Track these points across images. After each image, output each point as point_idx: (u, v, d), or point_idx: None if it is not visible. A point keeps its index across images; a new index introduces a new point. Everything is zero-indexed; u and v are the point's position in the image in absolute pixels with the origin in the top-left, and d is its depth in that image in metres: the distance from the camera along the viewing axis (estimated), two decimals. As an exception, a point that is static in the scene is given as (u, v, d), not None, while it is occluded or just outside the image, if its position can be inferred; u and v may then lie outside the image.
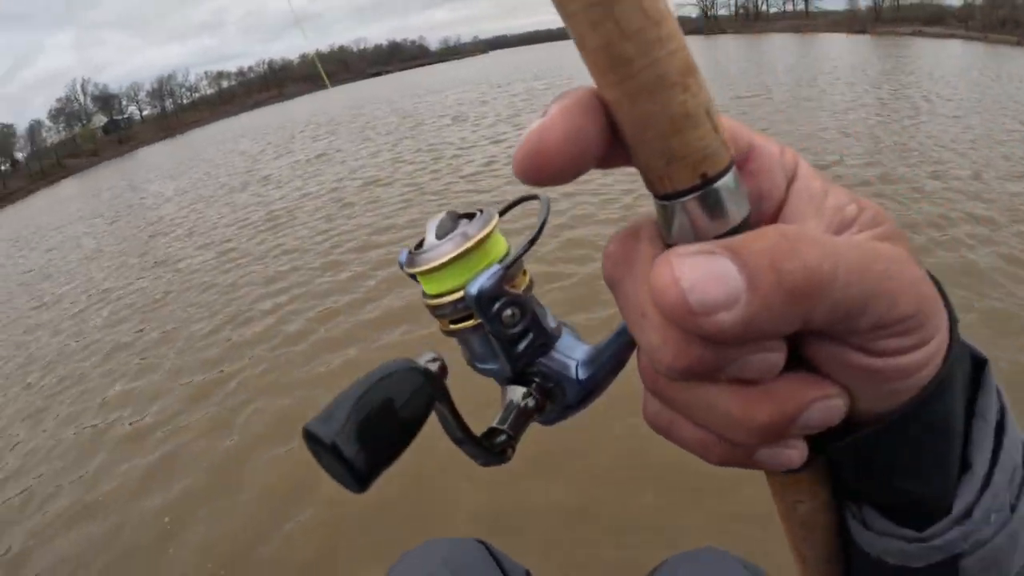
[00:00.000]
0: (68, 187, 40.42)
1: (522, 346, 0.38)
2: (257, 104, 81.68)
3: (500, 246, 0.38)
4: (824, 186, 0.28)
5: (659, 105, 0.21)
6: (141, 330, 6.32)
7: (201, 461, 3.62)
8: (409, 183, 10.92)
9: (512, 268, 0.37)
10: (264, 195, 13.39)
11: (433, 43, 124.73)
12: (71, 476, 3.80)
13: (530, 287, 0.39)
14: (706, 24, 67.74)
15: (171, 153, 34.46)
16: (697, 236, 0.23)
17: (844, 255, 0.22)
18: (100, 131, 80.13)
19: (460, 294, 0.36)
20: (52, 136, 76.64)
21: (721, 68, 22.55)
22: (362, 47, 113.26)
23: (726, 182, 0.23)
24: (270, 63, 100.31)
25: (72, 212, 19.22)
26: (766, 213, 0.28)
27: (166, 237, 11.93)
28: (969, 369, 0.30)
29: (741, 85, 16.26)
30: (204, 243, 10.50)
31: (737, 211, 0.24)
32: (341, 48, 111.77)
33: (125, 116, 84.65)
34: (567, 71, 24.60)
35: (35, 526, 3.40)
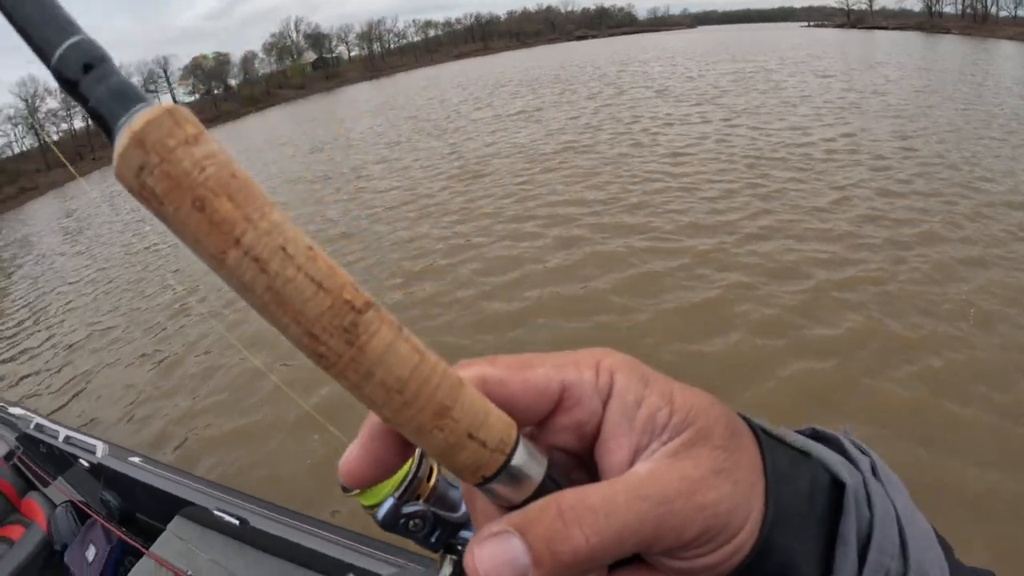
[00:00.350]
0: (275, 114, 45.59)
1: (434, 538, 0.67)
2: (461, 55, 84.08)
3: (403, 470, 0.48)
4: (638, 397, 0.30)
5: (428, 444, 0.26)
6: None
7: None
8: (605, 154, 10.90)
9: (411, 487, 0.55)
10: (459, 146, 13.92)
11: (641, 11, 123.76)
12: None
13: (434, 488, 0.60)
14: (928, 20, 64.57)
15: (374, 93, 35.84)
16: (508, 503, 0.29)
17: (621, 517, 0.27)
18: (309, 67, 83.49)
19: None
20: (263, 67, 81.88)
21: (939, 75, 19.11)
22: (570, 9, 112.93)
23: (514, 463, 0.28)
24: (477, 16, 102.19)
25: (274, 137, 20.98)
26: (587, 434, 0.31)
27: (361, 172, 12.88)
28: (828, 498, 0.33)
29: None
30: (392, 186, 11.25)
31: (535, 472, 0.29)
32: (548, 8, 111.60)
33: (333, 55, 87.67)
34: (780, 51, 24.50)
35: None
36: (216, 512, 2.33)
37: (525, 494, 0.29)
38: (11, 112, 58.32)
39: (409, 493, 0.62)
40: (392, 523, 0.63)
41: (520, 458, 0.28)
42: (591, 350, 0.32)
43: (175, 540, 2.50)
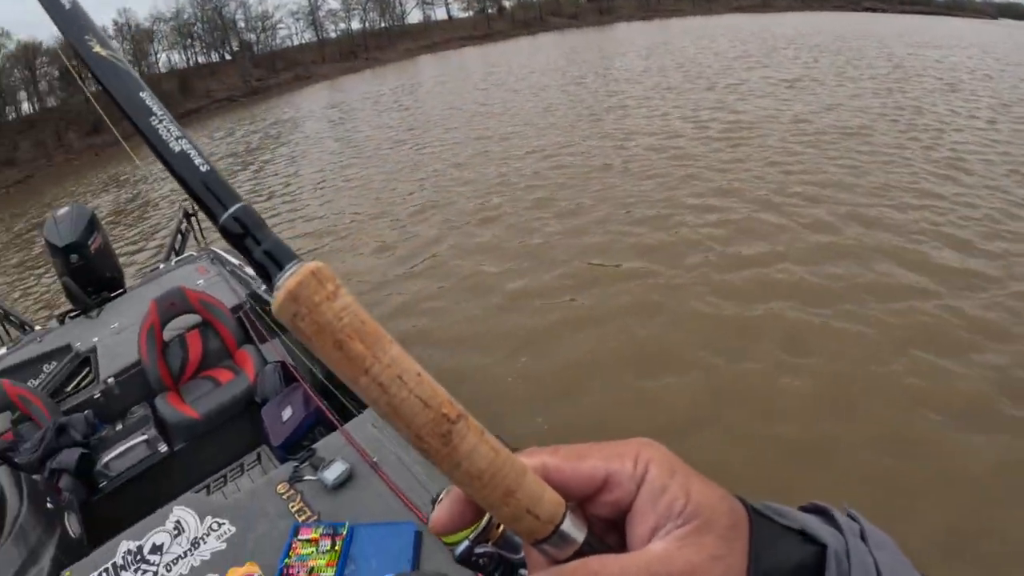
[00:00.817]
0: (545, 39, 46.33)
1: (498, 574, 0.94)
2: (739, 8, 79.90)
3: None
4: (664, 485, 0.38)
5: (497, 514, 0.35)
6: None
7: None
8: (886, 145, 9.82)
9: (483, 532, 0.69)
10: (729, 104, 13.18)
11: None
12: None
13: (502, 534, 0.73)
14: None
15: (646, 34, 34.56)
16: (555, 559, 0.37)
17: None
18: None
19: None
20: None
21: None
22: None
23: (560, 530, 0.37)
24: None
25: (540, 62, 20.74)
26: (623, 509, 0.39)
27: (617, 112, 12.67)
28: (814, 563, 0.39)
29: None
30: (653, 130, 11.11)
31: (577, 537, 0.37)
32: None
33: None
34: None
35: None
36: None
37: (568, 553, 0.37)
38: (295, 7, 65.44)
39: (482, 536, 0.75)
40: (467, 559, 0.76)
41: (566, 527, 0.37)
42: (636, 441, 0.40)
43: (368, 425, 2.70)
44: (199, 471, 3.83)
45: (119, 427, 3.83)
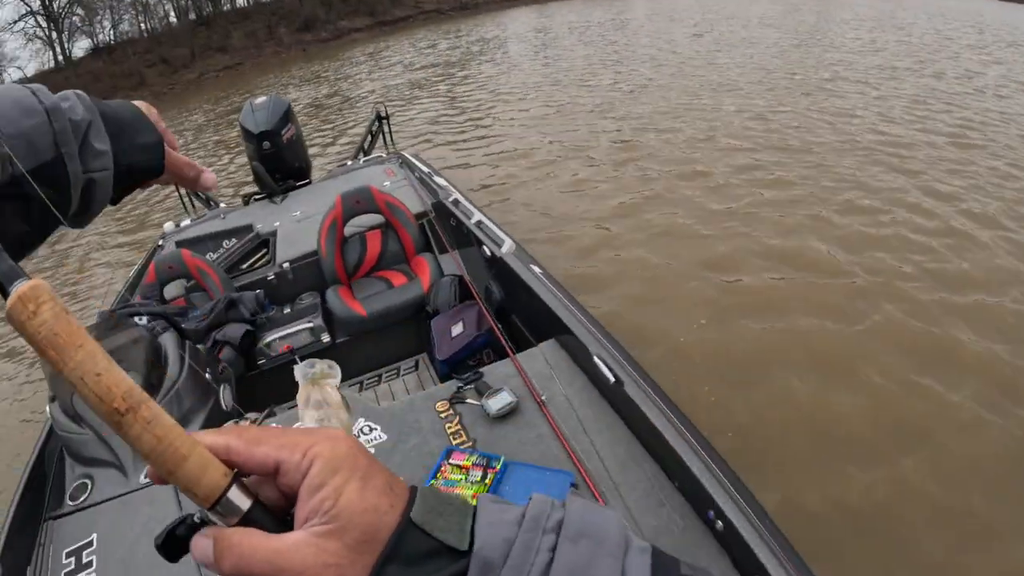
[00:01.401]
0: None
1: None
2: None
3: None
4: (322, 481, 0.42)
5: (173, 483, 0.44)
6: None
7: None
8: None
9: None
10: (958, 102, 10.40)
11: None
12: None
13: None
14: None
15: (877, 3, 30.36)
16: (226, 523, 0.44)
17: (255, 561, 0.41)
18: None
19: None
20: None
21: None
22: None
23: (223, 500, 0.44)
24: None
25: (755, 14, 19.35)
26: (291, 494, 0.44)
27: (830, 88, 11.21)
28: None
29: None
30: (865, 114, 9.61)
31: (239, 505, 0.44)
32: None
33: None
34: None
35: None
36: (595, 358, 2.34)
37: (233, 521, 0.44)
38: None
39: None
40: None
41: (232, 496, 0.44)
42: (321, 434, 0.45)
43: (541, 360, 2.59)
44: (355, 366, 3.94)
45: (287, 310, 4.00)
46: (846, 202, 6.52)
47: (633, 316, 4.89)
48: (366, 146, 7.48)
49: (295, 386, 3.85)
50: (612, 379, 2.24)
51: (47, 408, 2.86)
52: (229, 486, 0.44)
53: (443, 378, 3.25)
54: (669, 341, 4.53)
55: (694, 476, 1.84)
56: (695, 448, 1.92)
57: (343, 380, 3.82)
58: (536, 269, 2.99)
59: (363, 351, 3.90)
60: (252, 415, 2.92)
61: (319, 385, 1.85)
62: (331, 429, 0.46)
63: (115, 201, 0.71)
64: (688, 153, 8.31)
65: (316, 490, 0.42)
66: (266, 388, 3.72)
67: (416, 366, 3.93)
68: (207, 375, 2.98)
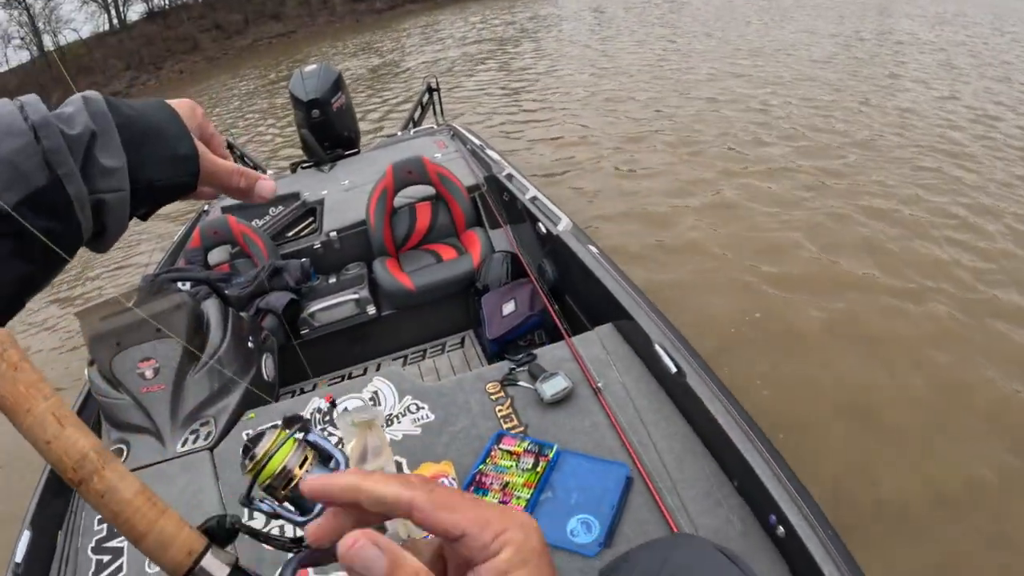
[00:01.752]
0: None
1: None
2: None
3: None
4: (507, 568, 0.39)
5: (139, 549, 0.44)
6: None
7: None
8: None
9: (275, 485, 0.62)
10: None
11: None
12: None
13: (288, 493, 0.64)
14: None
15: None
16: None
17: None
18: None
19: None
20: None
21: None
22: None
23: (197, 571, 0.45)
24: None
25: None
26: (458, 561, 0.43)
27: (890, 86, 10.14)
28: None
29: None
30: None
31: (216, 574, 0.46)
32: None
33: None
34: None
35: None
36: (656, 346, 2.23)
37: None
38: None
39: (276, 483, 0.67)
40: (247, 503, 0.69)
41: (207, 564, 0.44)
42: (516, 517, 0.42)
43: (597, 345, 2.48)
44: (399, 339, 3.90)
45: (332, 280, 3.95)
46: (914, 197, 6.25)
47: (686, 303, 4.73)
48: (416, 117, 7.40)
49: (336, 356, 3.81)
50: (674, 369, 2.13)
51: (85, 371, 2.84)
52: (196, 564, 0.45)
53: (492, 358, 3.17)
54: (720, 329, 4.39)
55: (756, 477, 1.74)
56: (758, 448, 1.82)
57: (385, 354, 3.79)
58: (593, 249, 2.87)
59: (408, 325, 3.83)
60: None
61: (373, 429, 1.78)
62: (523, 515, 0.43)
63: (145, 217, 0.62)
64: (754, 150, 8.05)
65: (501, 575, 0.41)
66: (308, 358, 3.67)
67: (462, 343, 3.85)
68: (250, 343, 2.93)
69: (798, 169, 7.03)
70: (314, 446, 0.70)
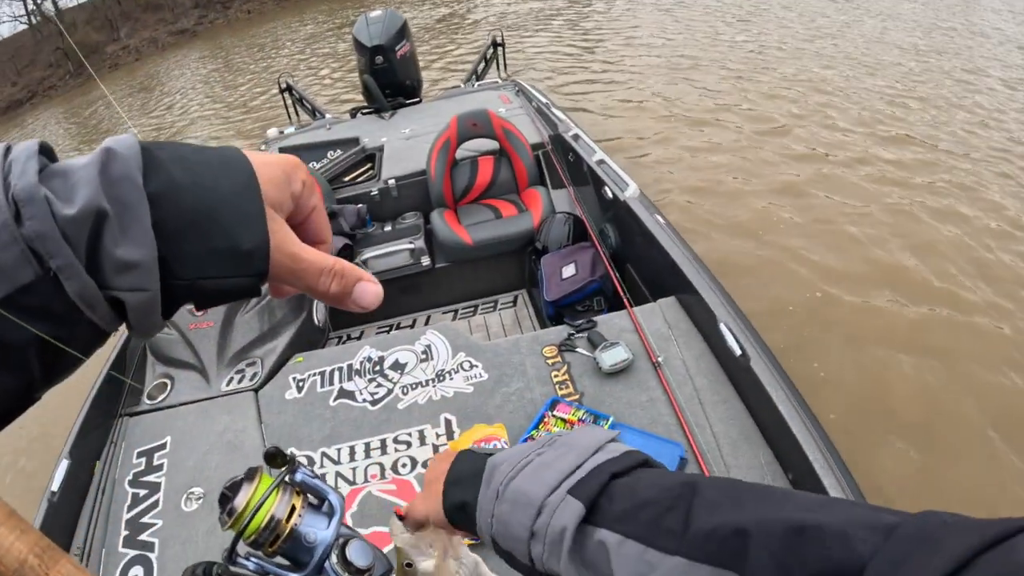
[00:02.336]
0: None
1: None
2: None
3: None
4: None
5: None
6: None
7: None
8: None
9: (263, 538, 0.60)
10: None
11: None
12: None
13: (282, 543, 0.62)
14: None
15: None
16: None
17: None
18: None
19: None
20: None
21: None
22: None
23: None
24: None
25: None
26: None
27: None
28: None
29: None
30: None
31: None
32: None
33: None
34: None
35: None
36: (721, 325, 2.14)
37: None
38: None
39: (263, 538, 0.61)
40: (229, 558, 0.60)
41: None
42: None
43: (659, 318, 2.40)
44: (451, 293, 3.87)
45: (387, 228, 3.91)
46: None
47: (750, 286, 4.57)
48: (479, 71, 7.30)
49: (386, 305, 3.74)
50: (738, 352, 2.04)
51: None
52: None
53: (547, 320, 3.09)
54: (782, 308, 4.25)
55: (815, 472, 1.67)
56: (817, 442, 1.74)
57: (436, 306, 3.74)
58: (660, 219, 2.75)
59: (462, 279, 3.78)
60: None
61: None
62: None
63: (198, 308, 0.43)
64: (831, 134, 7.70)
65: None
66: None
67: (514, 302, 3.79)
68: None
69: (876, 159, 6.73)
70: (304, 488, 0.63)
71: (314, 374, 2.45)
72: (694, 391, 2.11)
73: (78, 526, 2.11)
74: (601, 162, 3.33)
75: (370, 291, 0.46)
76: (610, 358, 2.17)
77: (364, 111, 5.59)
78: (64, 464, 2.17)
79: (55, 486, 2.09)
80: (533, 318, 3.59)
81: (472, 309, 3.81)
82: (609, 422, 2.02)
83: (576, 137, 3.73)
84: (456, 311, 3.83)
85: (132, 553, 1.96)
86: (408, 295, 3.78)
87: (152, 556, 1.95)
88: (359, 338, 3.65)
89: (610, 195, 3.10)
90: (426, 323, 3.79)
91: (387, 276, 3.62)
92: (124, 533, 2.03)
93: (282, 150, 4.49)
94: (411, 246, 3.63)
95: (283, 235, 0.42)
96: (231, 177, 0.40)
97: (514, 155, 3.86)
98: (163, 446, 2.28)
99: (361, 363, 2.43)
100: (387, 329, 3.75)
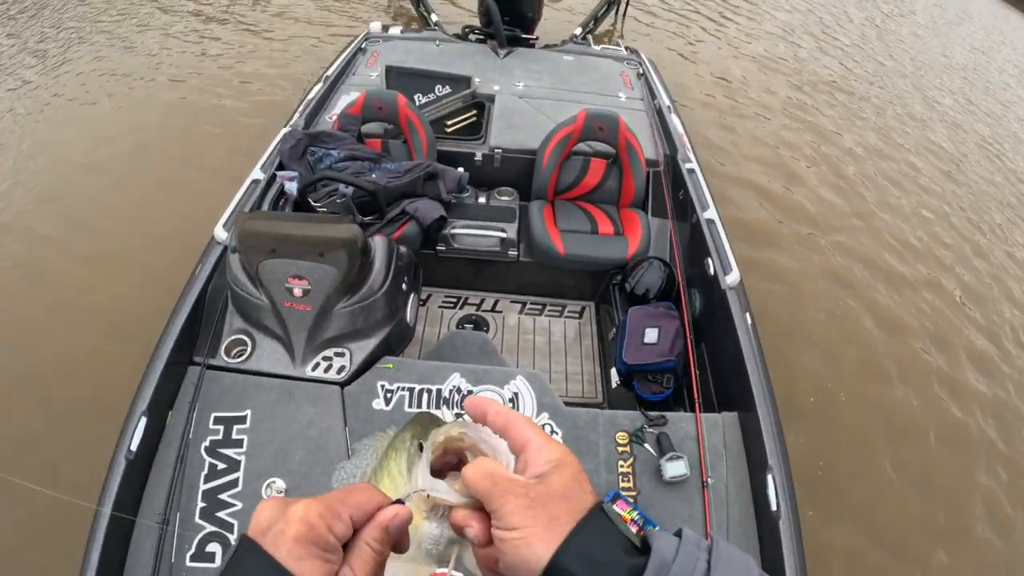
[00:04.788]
0: None
1: None
2: None
3: None
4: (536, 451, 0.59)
5: None
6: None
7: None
8: None
9: None
10: None
11: None
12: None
13: None
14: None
15: None
16: None
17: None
18: None
19: None
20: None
21: None
22: None
23: None
24: None
25: None
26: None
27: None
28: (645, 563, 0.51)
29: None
30: None
31: None
32: None
33: None
34: None
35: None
36: (768, 476, 2.27)
37: None
38: None
39: None
40: None
41: None
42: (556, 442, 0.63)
43: (719, 435, 2.53)
44: (526, 287, 3.91)
45: (482, 200, 3.92)
46: None
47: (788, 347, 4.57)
48: (599, 15, 7.09)
49: (458, 276, 3.81)
50: (774, 506, 2.18)
51: (218, 231, 2.85)
52: None
53: (619, 373, 3.13)
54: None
55: None
56: None
57: (507, 292, 3.80)
58: (748, 320, 2.80)
59: (540, 276, 3.81)
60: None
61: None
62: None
63: None
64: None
65: (553, 462, 0.60)
66: (433, 272, 3.72)
67: (581, 314, 3.86)
68: (404, 285, 2.90)
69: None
70: None
71: (403, 389, 2.50)
72: (726, 519, 2.27)
73: (150, 483, 2.15)
74: (711, 222, 3.31)
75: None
76: (672, 469, 2.31)
77: (476, 34, 5.46)
78: (143, 422, 2.14)
79: (134, 445, 2.08)
80: (594, 336, 3.71)
81: (540, 307, 3.89)
82: (656, 530, 2.17)
83: (691, 172, 3.70)
84: (525, 304, 3.90)
85: (209, 528, 2.06)
86: (483, 275, 3.83)
87: (231, 537, 2.04)
88: (424, 303, 3.76)
89: (711, 272, 3.10)
90: (493, 307, 3.88)
91: (470, 255, 3.65)
92: (201, 504, 2.10)
93: (389, 70, 4.41)
94: (503, 235, 3.64)
95: None
96: None
97: (627, 170, 3.81)
98: (243, 419, 2.31)
99: (450, 391, 2.51)
100: (453, 301, 3.85)
